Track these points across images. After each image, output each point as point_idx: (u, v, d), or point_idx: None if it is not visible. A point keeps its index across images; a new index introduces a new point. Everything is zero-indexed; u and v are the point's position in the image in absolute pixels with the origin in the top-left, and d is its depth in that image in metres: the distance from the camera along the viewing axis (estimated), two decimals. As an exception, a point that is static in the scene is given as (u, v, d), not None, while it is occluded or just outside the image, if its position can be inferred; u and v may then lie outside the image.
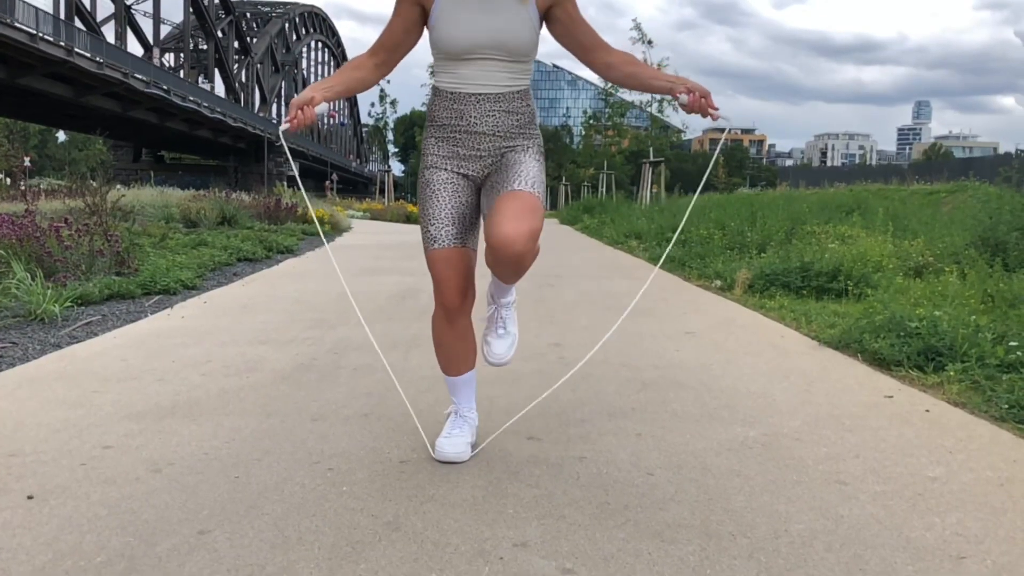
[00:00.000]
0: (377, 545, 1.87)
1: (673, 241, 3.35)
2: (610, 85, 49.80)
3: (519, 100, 2.37)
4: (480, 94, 2.32)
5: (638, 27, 36.97)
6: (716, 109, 2.24)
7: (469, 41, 2.26)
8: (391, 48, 2.39)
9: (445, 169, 2.39)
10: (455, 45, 2.28)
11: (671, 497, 2.18)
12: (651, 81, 2.37)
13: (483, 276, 2.39)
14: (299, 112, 2.20)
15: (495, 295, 2.53)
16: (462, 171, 2.38)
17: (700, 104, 2.24)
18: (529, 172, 2.30)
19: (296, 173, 2.73)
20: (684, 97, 2.25)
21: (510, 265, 2.22)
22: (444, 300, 2.41)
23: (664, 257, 3.59)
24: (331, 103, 2.29)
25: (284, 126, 2.23)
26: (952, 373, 3.43)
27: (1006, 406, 2.99)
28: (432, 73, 2.51)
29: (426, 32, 2.35)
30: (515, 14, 2.27)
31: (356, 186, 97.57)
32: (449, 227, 2.35)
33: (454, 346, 2.49)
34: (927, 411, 3.04)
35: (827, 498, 2.18)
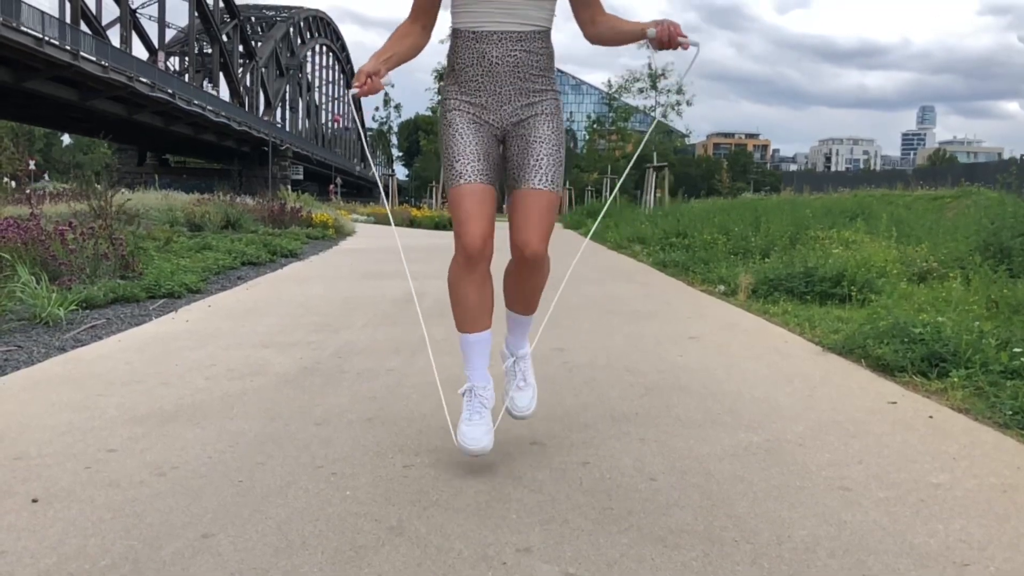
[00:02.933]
0: (380, 550, 1.87)
1: (602, 215, 3.49)
2: (613, 90, 49.89)
3: (540, 40, 2.37)
4: (502, 32, 2.32)
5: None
6: (684, 37, 2.35)
7: None
8: (426, 8, 2.43)
9: (468, 112, 2.38)
10: None
11: (674, 502, 2.18)
12: (623, 27, 2.47)
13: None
14: (368, 80, 2.30)
15: (513, 345, 2.61)
16: (484, 119, 2.39)
17: (669, 34, 2.34)
18: (550, 155, 2.36)
19: (380, 178, 2.80)
20: (652, 31, 2.35)
21: (527, 265, 2.38)
22: (466, 241, 2.31)
23: (592, 231, 3.67)
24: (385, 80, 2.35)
25: (353, 90, 2.31)
26: (956, 379, 3.42)
27: (1010, 412, 2.98)
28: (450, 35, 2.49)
29: None
30: None
31: (360, 190, 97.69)
32: (475, 162, 2.34)
33: (471, 295, 2.40)
34: (931, 417, 3.04)
35: (830, 504, 2.18)
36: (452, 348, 4.11)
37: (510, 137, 2.41)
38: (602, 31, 2.49)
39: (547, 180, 2.35)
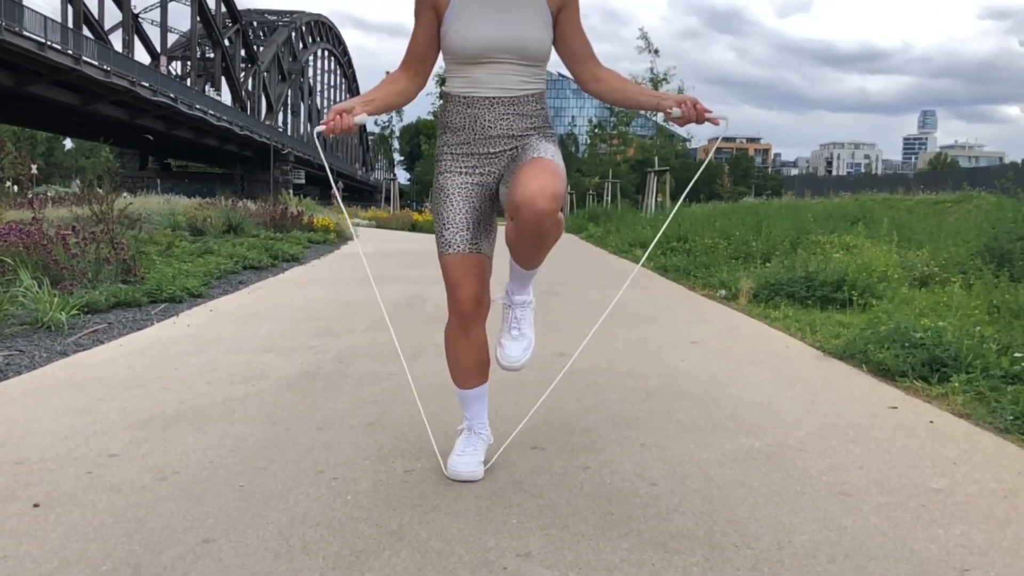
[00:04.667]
0: (381, 554, 1.88)
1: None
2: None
3: (533, 103, 2.35)
4: (494, 98, 2.29)
5: (645, 36, 36.84)
6: (710, 112, 2.27)
7: (483, 44, 2.24)
8: (420, 59, 2.38)
9: (460, 173, 2.35)
10: (469, 48, 2.25)
11: (675, 508, 2.18)
12: (638, 96, 2.40)
13: (498, 283, 2.39)
14: (338, 117, 2.22)
15: (512, 290, 2.47)
16: (477, 176, 2.34)
17: (693, 112, 2.27)
18: (547, 149, 2.28)
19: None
20: (676, 111, 2.29)
21: (533, 228, 2.12)
22: (459, 307, 2.34)
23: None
24: (372, 116, 2.31)
25: (320, 128, 2.26)
26: (957, 384, 3.43)
27: (1011, 417, 2.99)
28: (441, 82, 2.50)
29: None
30: (530, 16, 2.26)
31: (361, 194, 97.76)
32: (464, 232, 2.31)
33: (467, 356, 2.42)
34: (931, 422, 3.04)
35: (831, 509, 2.18)
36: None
37: (506, 168, 2.34)
38: (608, 93, 2.40)
39: (548, 155, 2.22)
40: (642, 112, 47.79)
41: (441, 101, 2.44)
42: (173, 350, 4.27)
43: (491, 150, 2.33)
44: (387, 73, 2.53)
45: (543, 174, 2.12)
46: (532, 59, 2.30)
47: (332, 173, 2.86)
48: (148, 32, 64.48)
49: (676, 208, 3.95)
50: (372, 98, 2.35)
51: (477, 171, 2.35)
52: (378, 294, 4.59)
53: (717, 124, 2.31)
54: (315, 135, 2.39)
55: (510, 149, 2.34)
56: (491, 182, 2.37)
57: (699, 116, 2.26)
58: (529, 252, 2.27)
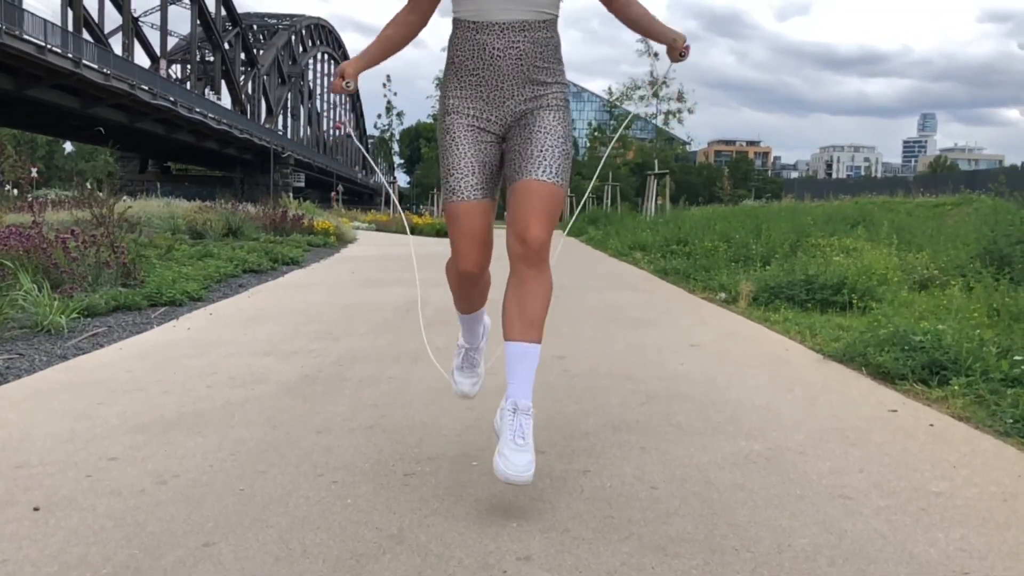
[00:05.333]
0: (381, 558, 1.88)
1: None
2: (615, 98, 49.94)
3: (545, 30, 2.24)
4: (504, 22, 2.18)
5: (645, 40, 36.87)
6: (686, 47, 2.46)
7: None
8: None
9: (467, 115, 2.26)
10: None
11: (675, 511, 2.18)
12: (653, 25, 2.49)
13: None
14: (339, 79, 2.36)
15: (513, 392, 2.24)
16: (484, 123, 2.26)
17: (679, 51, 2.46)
18: (555, 146, 2.22)
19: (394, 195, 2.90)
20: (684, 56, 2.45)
21: (528, 262, 2.18)
22: (461, 265, 2.29)
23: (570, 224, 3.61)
24: (347, 115, 2.33)
25: (344, 126, 2.36)
26: (956, 387, 3.43)
27: (1010, 420, 2.98)
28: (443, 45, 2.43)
29: None
30: None
31: (361, 197, 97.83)
32: (471, 176, 2.23)
33: (467, 293, 2.50)
34: (931, 425, 3.04)
35: (831, 512, 2.18)
36: (451, 357, 4.12)
37: (513, 131, 2.27)
38: (629, 18, 2.46)
39: (552, 172, 2.19)
40: (641, 115, 47.82)
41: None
42: (173, 353, 4.28)
43: (501, 88, 2.23)
44: (387, 78, 2.56)
45: (542, 206, 2.17)
46: None
47: (388, 186, 2.99)
48: (148, 35, 64.59)
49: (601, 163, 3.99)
50: (365, 58, 2.41)
51: (484, 117, 2.26)
52: (376, 299, 4.59)
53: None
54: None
55: (520, 95, 2.24)
56: (498, 132, 2.29)
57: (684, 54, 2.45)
58: (526, 296, 2.19)
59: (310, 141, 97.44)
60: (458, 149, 2.25)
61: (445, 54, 2.34)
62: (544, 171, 2.19)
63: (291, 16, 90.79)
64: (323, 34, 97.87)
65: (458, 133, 2.26)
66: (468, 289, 2.46)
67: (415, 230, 25.77)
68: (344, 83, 2.36)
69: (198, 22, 67.94)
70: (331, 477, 2.42)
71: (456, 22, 2.27)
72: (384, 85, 50.82)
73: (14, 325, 4.79)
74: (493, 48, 2.19)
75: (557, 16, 2.29)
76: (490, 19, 2.19)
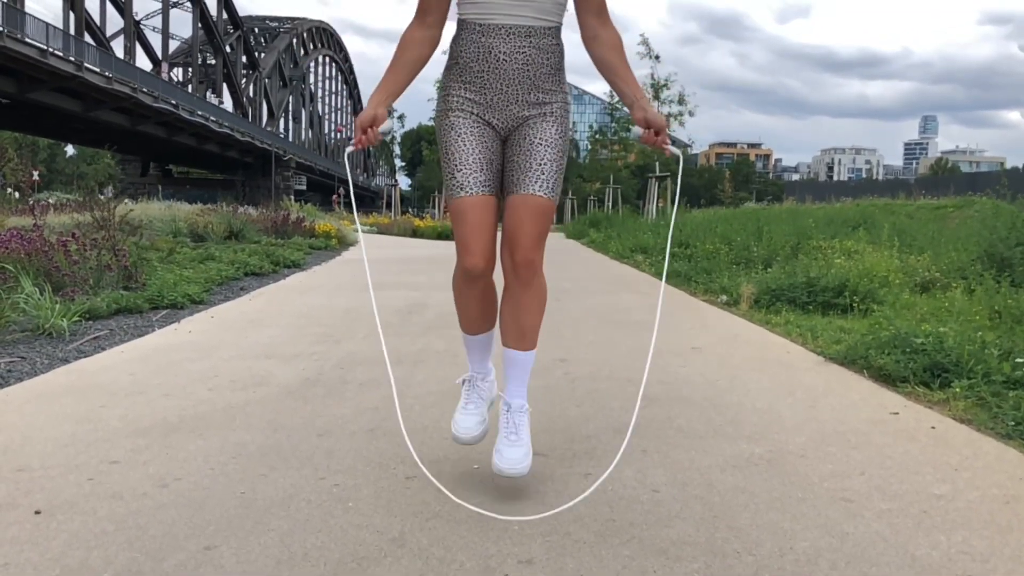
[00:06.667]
0: (383, 561, 1.88)
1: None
2: (616, 100, 49.95)
3: (550, 36, 2.23)
4: (510, 26, 2.17)
5: (646, 42, 36.79)
6: (669, 144, 2.25)
7: None
8: (435, 2, 2.26)
9: (472, 112, 2.25)
10: None
11: (676, 514, 2.18)
12: (619, 83, 2.32)
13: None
14: (363, 135, 2.19)
15: (511, 392, 2.37)
16: (488, 120, 2.25)
17: (653, 141, 2.23)
18: (553, 160, 2.23)
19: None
20: (637, 131, 2.26)
21: (520, 275, 2.25)
22: (467, 261, 2.24)
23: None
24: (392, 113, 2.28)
25: (349, 149, 2.23)
26: (958, 390, 3.42)
27: (1012, 423, 2.98)
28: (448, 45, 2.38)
29: None
30: None
31: (363, 200, 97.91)
32: (477, 172, 2.21)
33: (473, 305, 2.39)
34: (933, 428, 3.03)
35: (832, 515, 2.18)
36: (452, 359, 4.12)
37: (513, 136, 2.28)
38: (598, 61, 2.32)
39: (547, 187, 2.22)
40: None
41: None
42: (174, 357, 4.28)
43: (505, 92, 2.22)
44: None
45: (534, 223, 2.20)
46: None
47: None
48: (150, 39, 64.66)
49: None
50: (389, 90, 2.27)
51: (487, 114, 2.25)
52: (375, 303, 4.59)
53: (668, 155, 2.30)
54: (345, 156, 2.34)
55: (523, 100, 2.24)
56: (500, 130, 2.28)
57: (656, 146, 2.24)
58: (519, 307, 2.30)
59: (311, 144, 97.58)
60: (464, 145, 2.23)
61: (446, 56, 2.33)
62: (541, 186, 2.22)
63: (292, 19, 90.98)
64: (324, 37, 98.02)
65: (463, 129, 2.24)
66: (475, 294, 2.37)
67: (417, 232, 25.78)
68: (375, 133, 2.19)
69: (199, 25, 68.03)
70: (332, 480, 2.42)
71: (461, 23, 2.25)
72: None
73: (15, 328, 4.80)
74: (499, 52, 2.19)
75: (561, 24, 2.29)
76: (496, 22, 2.18)
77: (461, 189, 2.21)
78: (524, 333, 2.33)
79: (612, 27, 2.33)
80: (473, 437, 2.42)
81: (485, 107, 2.25)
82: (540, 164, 2.23)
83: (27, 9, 38.04)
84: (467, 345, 2.52)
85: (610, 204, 37.47)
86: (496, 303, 2.44)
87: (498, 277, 2.38)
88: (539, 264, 2.27)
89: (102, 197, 8.20)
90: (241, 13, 77.39)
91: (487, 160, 2.25)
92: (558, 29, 2.28)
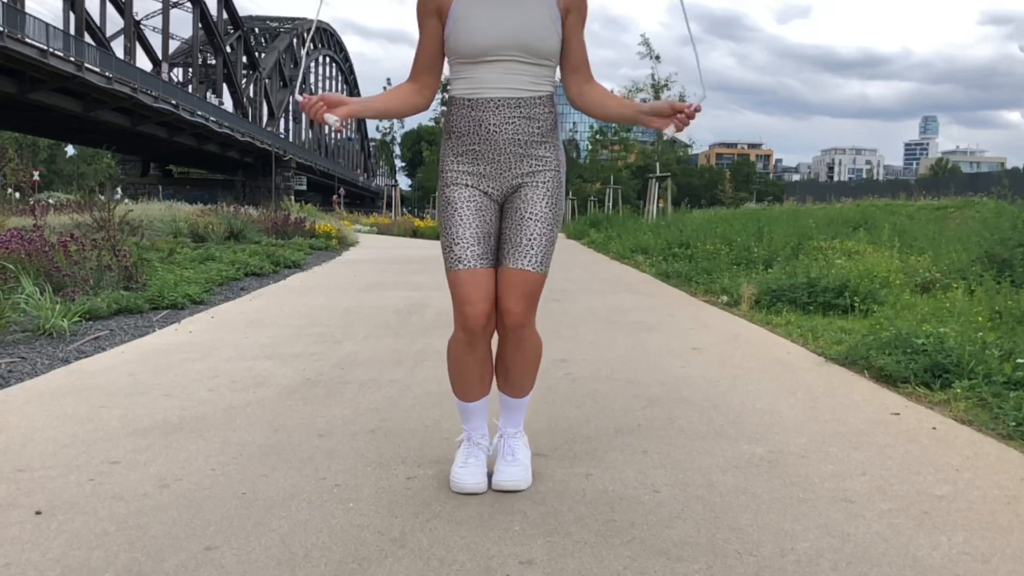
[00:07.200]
0: (383, 562, 1.87)
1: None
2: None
3: (541, 106, 2.27)
4: (499, 99, 2.22)
5: (646, 43, 36.69)
6: (690, 107, 2.20)
7: (489, 40, 2.18)
8: (426, 69, 2.32)
9: (467, 185, 2.29)
10: (474, 46, 2.19)
11: (677, 515, 2.18)
12: (614, 107, 2.35)
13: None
14: (320, 103, 2.18)
15: (503, 423, 2.47)
16: (484, 190, 2.30)
17: (683, 120, 2.21)
18: (543, 235, 2.27)
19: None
20: (670, 130, 2.23)
21: (512, 336, 2.34)
22: (468, 323, 2.27)
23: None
24: (344, 122, 2.28)
25: (300, 98, 2.22)
26: (959, 390, 3.42)
27: (1013, 423, 2.98)
28: (444, 88, 2.45)
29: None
30: (537, 11, 2.20)
31: (363, 200, 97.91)
32: (474, 246, 2.25)
33: (471, 371, 2.37)
34: (934, 428, 3.03)
35: (833, 516, 2.17)
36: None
37: (508, 204, 2.32)
38: (590, 107, 2.36)
39: (537, 262, 2.27)
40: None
41: (444, 108, 2.39)
42: (175, 357, 4.28)
43: (498, 161, 2.27)
44: (388, 81, 2.50)
45: (525, 294, 2.27)
46: (539, 56, 2.22)
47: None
48: (150, 39, 64.64)
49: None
50: (365, 103, 2.34)
51: (482, 184, 2.30)
52: (376, 303, 4.59)
53: (699, 109, 2.23)
54: (295, 95, 2.34)
55: (517, 167, 2.28)
56: (496, 197, 2.32)
57: (689, 118, 2.21)
58: (511, 365, 2.39)
59: (312, 144, 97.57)
60: (461, 219, 2.27)
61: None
62: (530, 261, 2.27)
63: (292, 19, 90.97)
64: (325, 37, 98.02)
65: (460, 204, 2.28)
66: (476, 358, 2.36)
67: (417, 233, 25.79)
68: (329, 116, 2.19)
69: (200, 25, 68.03)
70: (333, 480, 2.42)
71: (451, 99, 2.31)
72: (384, 88, 50.85)
73: (16, 328, 4.80)
74: (489, 124, 2.24)
75: (552, 92, 2.33)
76: (485, 96, 2.24)
77: (459, 263, 2.26)
78: (515, 385, 2.45)
79: (596, 83, 2.38)
80: (476, 484, 2.34)
81: (480, 177, 2.30)
82: (530, 239, 2.27)
83: (27, 9, 38.06)
84: (463, 412, 2.47)
85: (610, 204, 37.44)
86: (492, 368, 2.44)
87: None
88: (531, 324, 2.36)
89: (102, 198, 8.20)
90: (241, 13, 77.42)
91: (484, 233, 2.29)
92: (550, 97, 2.31)
